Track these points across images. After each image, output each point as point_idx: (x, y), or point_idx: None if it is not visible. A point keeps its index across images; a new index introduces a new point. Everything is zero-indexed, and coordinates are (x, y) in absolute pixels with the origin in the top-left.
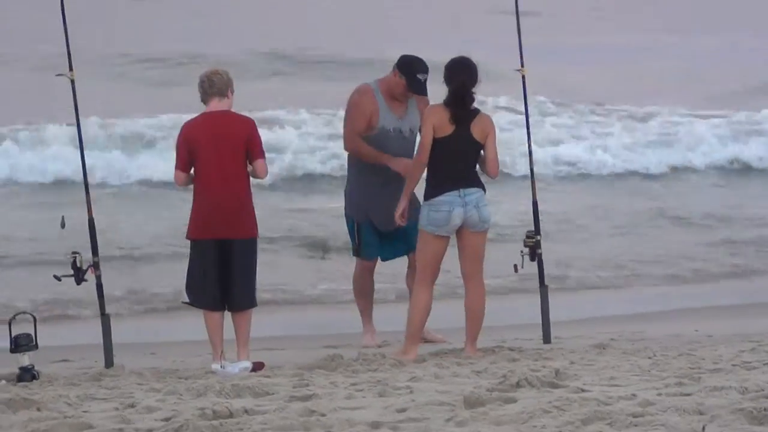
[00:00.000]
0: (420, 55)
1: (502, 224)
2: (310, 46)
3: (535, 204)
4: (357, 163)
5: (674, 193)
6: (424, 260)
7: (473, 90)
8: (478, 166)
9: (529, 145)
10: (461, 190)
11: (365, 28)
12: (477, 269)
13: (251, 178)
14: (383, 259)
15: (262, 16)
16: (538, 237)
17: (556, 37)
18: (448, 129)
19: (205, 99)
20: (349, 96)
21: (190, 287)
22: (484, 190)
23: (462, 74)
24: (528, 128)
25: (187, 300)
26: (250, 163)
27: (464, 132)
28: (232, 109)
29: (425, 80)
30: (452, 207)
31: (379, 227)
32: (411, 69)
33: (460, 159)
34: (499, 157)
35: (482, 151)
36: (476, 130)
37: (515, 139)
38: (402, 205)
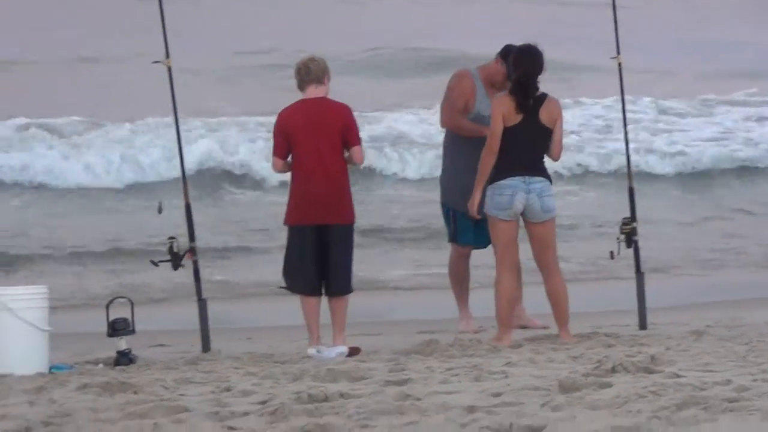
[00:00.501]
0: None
1: None
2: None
3: (631, 191)
4: (451, 150)
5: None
6: (498, 245)
7: (537, 78)
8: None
9: (626, 133)
10: (526, 177)
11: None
12: (549, 258)
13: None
14: (478, 247)
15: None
16: (635, 224)
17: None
18: (516, 117)
19: (301, 86)
20: (449, 80)
21: (287, 272)
22: (551, 181)
23: (526, 63)
24: (624, 115)
25: (284, 285)
26: (347, 150)
27: (533, 119)
28: (329, 96)
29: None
30: (515, 191)
31: (472, 215)
32: None
33: (528, 147)
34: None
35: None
36: (544, 116)
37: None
38: (475, 197)
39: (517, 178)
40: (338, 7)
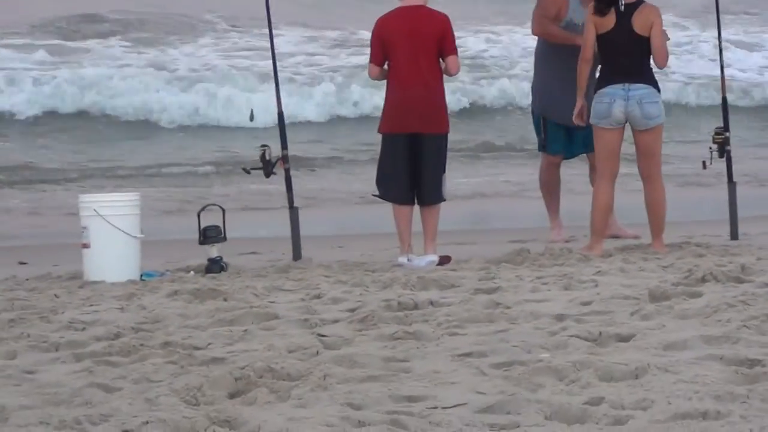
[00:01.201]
0: None
1: None
2: None
3: (724, 100)
4: (543, 58)
5: None
6: (599, 154)
7: None
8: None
9: (720, 42)
10: (627, 84)
11: None
12: (653, 168)
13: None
14: (568, 157)
15: None
16: (727, 134)
17: None
18: (608, 23)
19: None
20: None
21: (380, 180)
22: (656, 87)
23: None
24: (719, 23)
25: (377, 193)
26: (443, 59)
27: (625, 26)
28: (428, 5)
29: None
30: (613, 99)
31: (562, 122)
32: None
33: (625, 53)
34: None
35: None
36: (637, 23)
37: None
38: (578, 104)
39: (617, 85)
40: None
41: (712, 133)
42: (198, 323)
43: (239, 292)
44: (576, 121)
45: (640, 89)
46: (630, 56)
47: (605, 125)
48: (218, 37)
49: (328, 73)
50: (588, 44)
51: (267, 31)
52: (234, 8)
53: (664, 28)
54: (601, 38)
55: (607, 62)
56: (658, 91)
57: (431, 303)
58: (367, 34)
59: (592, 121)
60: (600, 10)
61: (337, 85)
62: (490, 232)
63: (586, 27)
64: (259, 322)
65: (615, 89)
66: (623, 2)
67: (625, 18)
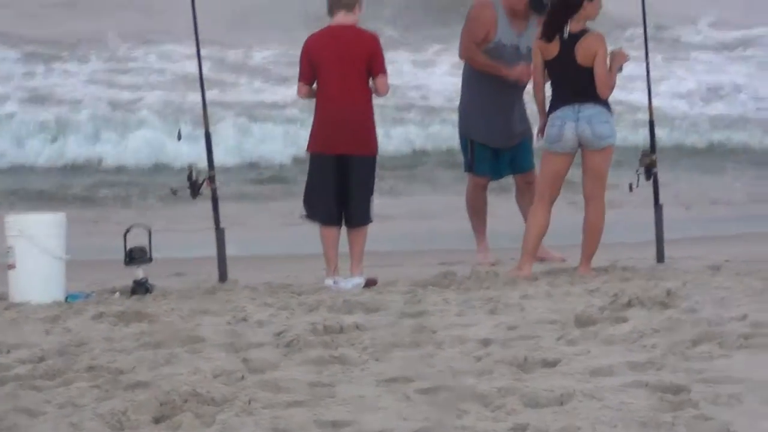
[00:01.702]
0: None
1: None
2: None
3: (651, 123)
4: (470, 79)
5: None
6: (544, 177)
7: (566, 12)
8: None
9: (647, 64)
10: (576, 105)
11: None
12: (597, 190)
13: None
14: (494, 178)
15: None
16: (654, 156)
17: None
18: (553, 51)
19: (331, 11)
20: (469, 9)
21: (308, 201)
22: (608, 108)
23: None
24: (646, 43)
25: (304, 213)
26: (372, 79)
27: (568, 55)
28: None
29: (548, 1)
30: (564, 121)
31: (490, 144)
32: None
33: (571, 80)
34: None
35: None
36: (580, 53)
37: None
38: (540, 122)
39: (566, 107)
40: None
41: (639, 156)
42: (123, 346)
43: (165, 314)
44: (538, 136)
45: (590, 109)
46: (575, 81)
47: (557, 149)
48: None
49: None
50: (537, 69)
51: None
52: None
53: (627, 53)
54: (547, 64)
55: (555, 87)
56: (610, 111)
57: (357, 326)
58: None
59: (543, 144)
60: (545, 35)
61: None
62: (417, 254)
63: (533, 52)
64: (185, 345)
65: (565, 111)
66: (567, 31)
67: (568, 47)
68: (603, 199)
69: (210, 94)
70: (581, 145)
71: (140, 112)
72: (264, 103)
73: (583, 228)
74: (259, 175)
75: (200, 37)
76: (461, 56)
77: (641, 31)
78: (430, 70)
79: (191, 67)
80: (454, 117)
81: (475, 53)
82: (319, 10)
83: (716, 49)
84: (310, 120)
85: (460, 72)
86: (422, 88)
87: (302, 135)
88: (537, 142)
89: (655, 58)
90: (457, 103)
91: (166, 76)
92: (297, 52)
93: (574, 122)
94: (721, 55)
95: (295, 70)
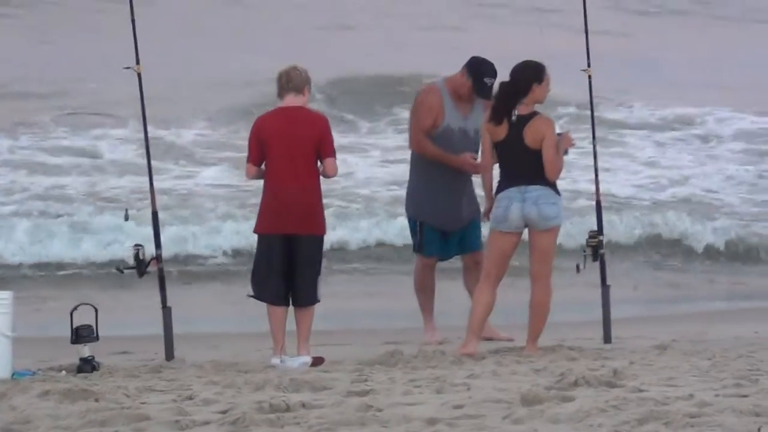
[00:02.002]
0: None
1: None
2: None
3: (598, 204)
4: (419, 163)
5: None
6: (490, 256)
7: (515, 95)
8: None
9: (594, 145)
10: (523, 186)
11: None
12: (543, 270)
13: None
14: (443, 258)
15: None
16: (601, 237)
17: None
18: (501, 133)
19: (281, 94)
20: (416, 96)
21: (255, 281)
22: (554, 189)
23: (513, 75)
24: (593, 127)
25: (251, 293)
26: (321, 161)
27: (517, 137)
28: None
29: (492, 84)
30: (510, 202)
31: (439, 227)
32: (479, 71)
33: (519, 162)
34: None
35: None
36: (529, 135)
37: None
38: (485, 206)
39: (513, 188)
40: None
41: (586, 237)
42: (69, 424)
43: (111, 392)
44: (484, 218)
45: (536, 190)
46: (522, 163)
47: (502, 228)
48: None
49: None
50: (486, 152)
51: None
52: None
53: (573, 137)
54: (496, 146)
55: (503, 168)
56: (557, 193)
57: (303, 405)
58: None
59: (490, 224)
60: (494, 119)
61: None
62: (364, 332)
63: (482, 134)
64: (130, 423)
65: (512, 192)
66: (516, 113)
67: (517, 129)
68: (549, 278)
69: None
70: (527, 225)
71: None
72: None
73: (529, 307)
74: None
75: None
76: (411, 147)
77: (571, 110)
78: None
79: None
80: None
81: (426, 144)
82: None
83: (654, 129)
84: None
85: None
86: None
87: None
88: (483, 224)
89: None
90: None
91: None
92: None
93: (520, 203)
94: (660, 135)
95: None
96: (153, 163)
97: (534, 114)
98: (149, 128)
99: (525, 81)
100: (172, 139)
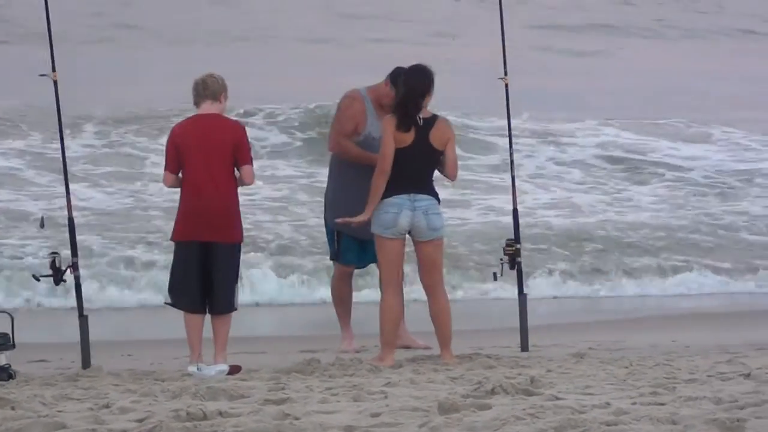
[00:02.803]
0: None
1: None
2: None
3: (515, 212)
4: (336, 169)
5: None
6: (383, 264)
7: (422, 99)
8: (437, 171)
9: (511, 154)
10: (412, 194)
11: None
12: (436, 279)
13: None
14: (360, 266)
15: None
16: (518, 245)
17: None
18: (407, 139)
19: (197, 101)
20: (339, 100)
21: (172, 288)
22: (438, 199)
23: (411, 81)
24: (510, 135)
25: (169, 301)
26: (237, 169)
27: (423, 141)
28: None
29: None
30: (400, 209)
31: (356, 235)
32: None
33: (416, 167)
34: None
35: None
36: (435, 138)
37: None
38: (365, 215)
39: (402, 195)
40: None
41: (503, 245)
42: None
43: (27, 400)
44: (357, 230)
45: (425, 200)
46: (421, 170)
47: (389, 235)
48: None
49: None
50: (388, 157)
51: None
52: None
53: None
54: (397, 152)
55: (396, 174)
56: (439, 202)
57: (220, 413)
58: None
59: (375, 230)
60: (404, 124)
61: None
62: (280, 340)
63: (384, 140)
64: (47, 431)
65: (401, 199)
66: (421, 117)
67: (423, 132)
68: (443, 285)
69: None
70: (411, 234)
71: None
72: None
73: (432, 317)
74: None
75: None
76: (330, 149)
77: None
78: None
79: None
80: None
81: (346, 144)
82: None
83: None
84: None
85: None
86: None
87: None
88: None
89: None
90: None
91: None
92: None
93: (410, 211)
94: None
95: None
96: None
97: (435, 117)
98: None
99: (427, 84)
100: None
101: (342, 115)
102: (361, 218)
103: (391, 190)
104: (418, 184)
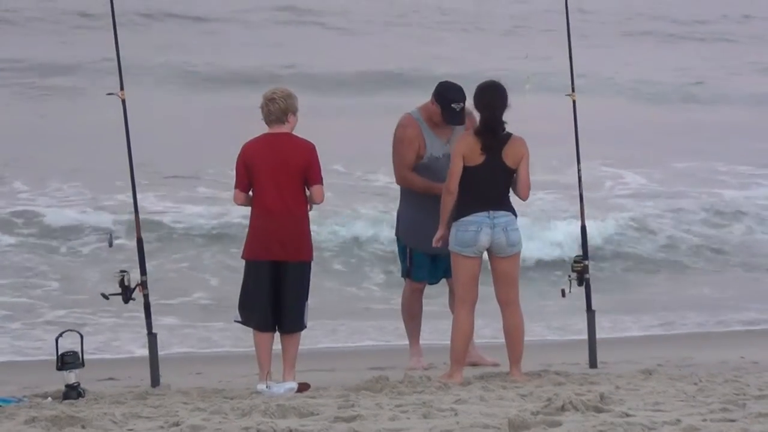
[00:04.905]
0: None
1: None
2: None
3: (583, 228)
4: (407, 189)
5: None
6: (459, 282)
7: (503, 117)
8: (511, 189)
9: (579, 170)
10: (490, 212)
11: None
12: (512, 295)
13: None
14: (431, 282)
15: None
16: (586, 262)
17: None
18: (478, 158)
19: (266, 122)
20: (394, 130)
21: (242, 306)
22: (515, 214)
23: (492, 102)
24: (578, 151)
25: (239, 319)
26: (308, 188)
27: (496, 160)
28: (294, 132)
29: (461, 109)
30: (480, 227)
31: (427, 251)
32: (446, 98)
33: (491, 184)
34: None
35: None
36: (508, 157)
37: None
38: (439, 233)
39: (481, 213)
40: None
41: (571, 262)
42: None
43: (97, 419)
44: (435, 244)
45: (503, 216)
46: (496, 187)
47: (468, 253)
48: None
49: None
50: (455, 176)
51: None
52: None
53: None
54: (468, 170)
55: (471, 191)
56: (516, 217)
57: (291, 431)
58: None
59: (454, 249)
60: (490, 147)
61: None
62: (349, 356)
63: (453, 160)
64: None
65: (480, 217)
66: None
67: (495, 152)
68: (518, 302)
69: None
70: (490, 251)
71: None
72: None
73: (504, 334)
74: None
75: None
76: (398, 182)
77: None
78: None
79: None
80: None
81: (411, 178)
82: None
83: None
84: None
85: None
86: None
87: None
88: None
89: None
90: None
91: None
92: None
93: (490, 228)
94: None
95: None
96: None
97: (509, 135)
98: None
99: (504, 99)
100: None
101: (400, 145)
102: (438, 236)
103: (469, 208)
104: (496, 200)
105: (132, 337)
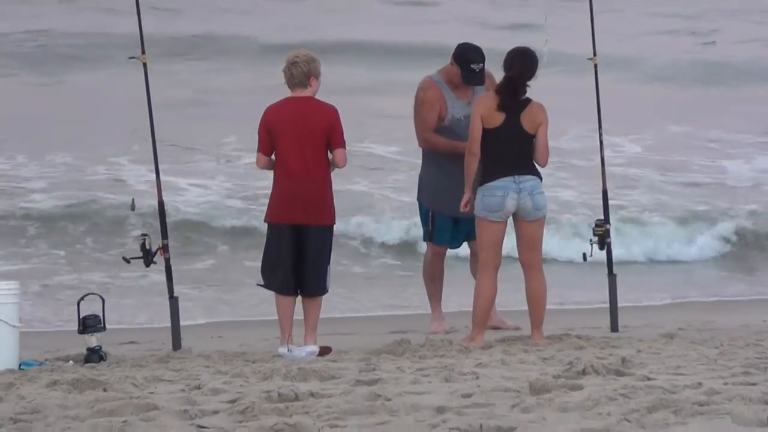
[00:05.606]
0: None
1: None
2: None
3: (605, 193)
4: (429, 153)
5: None
6: (483, 246)
7: (528, 82)
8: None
9: (600, 135)
10: (516, 176)
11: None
12: (535, 258)
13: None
14: (453, 246)
15: None
16: (608, 226)
17: None
18: (497, 119)
19: (289, 85)
20: (414, 93)
21: (264, 270)
22: (540, 178)
23: (519, 64)
24: (599, 117)
25: (261, 282)
26: (330, 152)
27: (514, 123)
28: (317, 96)
29: (481, 69)
30: (506, 192)
31: (450, 214)
32: (465, 59)
33: (513, 147)
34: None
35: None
36: (526, 121)
37: None
38: (466, 196)
39: (507, 178)
40: None
41: (593, 225)
42: (77, 414)
43: (119, 382)
44: (462, 209)
45: (529, 180)
46: (519, 150)
47: (494, 218)
48: None
49: None
50: (475, 139)
51: None
52: None
53: None
54: (487, 132)
55: (493, 156)
56: (541, 181)
57: (312, 394)
58: None
59: (479, 213)
60: (507, 106)
61: None
62: (371, 321)
63: (472, 121)
64: (139, 413)
65: (506, 182)
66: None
67: (514, 115)
68: (541, 266)
69: None
70: (515, 214)
71: None
72: None
73: (527, 297)
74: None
75: None
76: (420, 145)
77: None
78: None
79: None
80: None
81: (434, 139)
82: None
83: None
84: None
85: None
86: None
87: None
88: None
89: None
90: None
91: None
92: None
93: (516, 193)
94: None
95: None
96: None
97: (528, 100)
98: None
99: (534, 69)
100: None
101: (421, 107)
102: (465, 199)
103: (494, 173)
104: (520, 164)
105: (154, 300)
